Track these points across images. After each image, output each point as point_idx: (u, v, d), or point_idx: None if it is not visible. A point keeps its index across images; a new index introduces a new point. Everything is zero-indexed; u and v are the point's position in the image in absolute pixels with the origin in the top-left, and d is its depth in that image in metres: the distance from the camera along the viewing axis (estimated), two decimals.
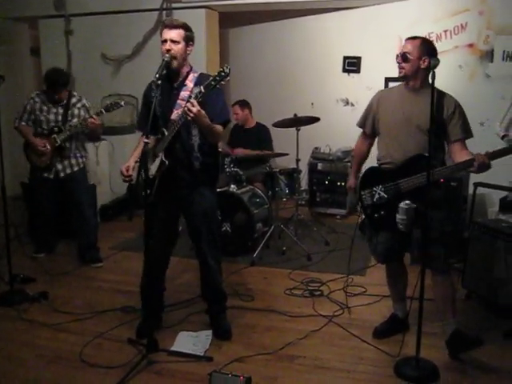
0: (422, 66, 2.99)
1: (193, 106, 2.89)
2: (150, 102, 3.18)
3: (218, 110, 3.19)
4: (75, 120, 4.61)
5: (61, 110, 4.63)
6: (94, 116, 4.47)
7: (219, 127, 3.19)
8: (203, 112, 2.96)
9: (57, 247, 5.20)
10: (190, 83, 3.21)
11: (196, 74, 3.25)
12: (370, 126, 3.31)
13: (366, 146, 3.43)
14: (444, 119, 2.98)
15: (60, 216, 5.05)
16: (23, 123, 4.64)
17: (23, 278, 4.33)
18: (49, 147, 4.58)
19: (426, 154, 2.84)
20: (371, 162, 3.37)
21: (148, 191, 3.10)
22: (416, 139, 3.01)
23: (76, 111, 4.65)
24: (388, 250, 3.24)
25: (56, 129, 4.58)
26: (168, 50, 3.09)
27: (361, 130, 3.44)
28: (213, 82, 2.87)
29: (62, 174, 4.70)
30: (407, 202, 2.90)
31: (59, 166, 4.69)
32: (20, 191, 5.77)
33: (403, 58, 3.02)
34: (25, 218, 5.40)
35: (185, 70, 3.24)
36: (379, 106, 3.23)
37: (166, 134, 3.12)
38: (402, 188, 3.02)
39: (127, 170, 3.28)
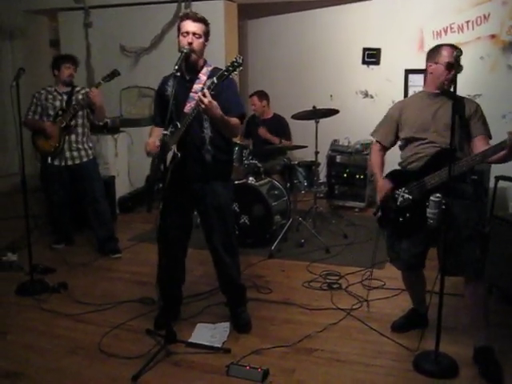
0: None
1: (205, 96, 2.87)
2: (165, 96, 3.21)
3: (232, 102, 3.18)
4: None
5: (65, 97, 4.74)
6: (93, 88, 4.57)
7: (235, 120, 3.17)
8: (215, 103, 2.93)
9: (76, 238, 5.25)
10: (203, 76, 3.19)
11: (210, 68, 3.24)
12: (391, 135, 3.22)
13: (382, 156, 3.32)
14: (466, 117, 2.94)
15: (77, 208, 5.08)
16: (29, 117, 4.75)
17: (43, 269, 4.38)
18: (56, 130, 4.65)
19: (452, 148, 2.78)
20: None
21: (161, 184, 3.10)
22: (444, 137, 2.91)
23: (80, 96, 4.74)
24: (414, 257, 3.11)
25: (60, 112, 4.69)
26: (190, 43, 3.08)
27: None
28: (226, 73, 2.86)
29: (69, 163, 4.76)
30: (437, 194, 2.82)
31: (67, 154, 4.75)
32: (39, 183, 5.83)
33: (450, 67, 2.94)
34: (44, 209, 5.46)
35: (200, 63, 3.23)
36: (402, 113, 3.14)
37: (179, 126, 3.12)
38: (428, 185, 2.93)
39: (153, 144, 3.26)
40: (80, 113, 4.73)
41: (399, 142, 3.23)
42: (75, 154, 4.77)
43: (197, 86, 3.16)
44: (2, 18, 7.53)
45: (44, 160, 4.82)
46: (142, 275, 4.33)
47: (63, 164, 4.75)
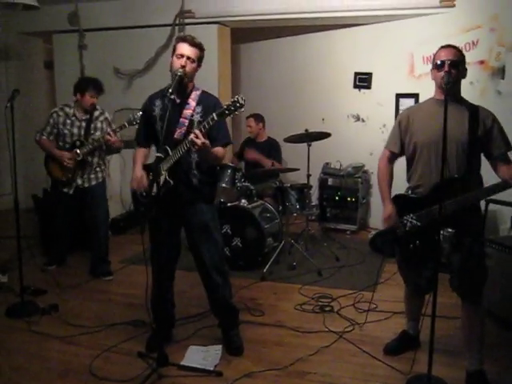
0: (462, 77, 2.90)
1: (197, 137, 2.88)
2: (152, 116, 3.23)
3: (220, 133, 3.20)
4: (98, 133, 4.64)
5: (84, 124, 4.64)
6: (111, 132, 4.48)
7: (220, 150, 3.20)
8: (208, 143, 2.95)
9: (68, 260, 5.21)
10: (192, 102, 3.20)
11: (198, 92, 3.25)
12: (400, 146, 3.13)
13: (390, 168, 3.22)
14: (480, 134, 2.84)
15: (74, 228, 5.06)
16: (44, 137, 4.66)
17: (34, 290, 4.35)
18: (72, 160, 4.60)
19: (456, 176, 2.79)
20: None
21: (149, 207, 3.12)
22: (454, 156, 2.84)
23: (99, 124, 4.67)
24: (425, 281, 3.04)
25: (78, 143, 4.60)
26: (183, 66, 3.09)
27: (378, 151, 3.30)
28: (226, 111, 2.83)
29: (80, 187, 4.72)
30: (449, 229, 2.75)
31: (79, 181, 4.71)
32: (32, 204, 5.81)
33: (454, 64, 2.83)
34: (36, 231, 5.44)
35: (189, 87, 3.25)
36: (409, 123, 3.04)
37: (171, 154, 3.11)
38: (436, 215, 2.78)
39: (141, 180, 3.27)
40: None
41: (406, 157, 3.14)
42: (85, 177, 4.73)
43: (186, 112, 3.18)
44: None
45: (54, 185, 4.79)
46: (134, 297, 4.30)
47: (71, 192, 4.71)
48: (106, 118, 4.71)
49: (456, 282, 2.90)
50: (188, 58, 3.11)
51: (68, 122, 4.63)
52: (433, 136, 2.91)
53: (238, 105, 2.79)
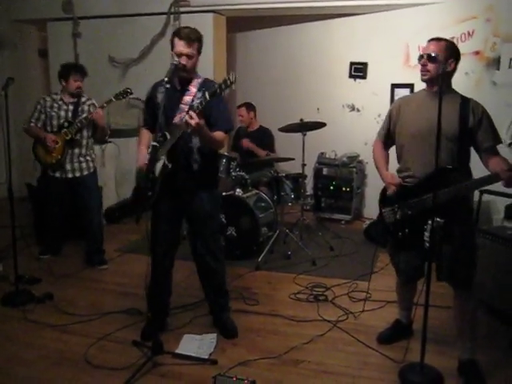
0: (448, 69, 2.87)
1: (191, 118, 2.90)
2: (155, 103, 3.24)
3: (221, 117, 3.24)
4: (85, 115, 4.63)
5: (71, 107, 4.65)
6: (98, 108, 4.53)
7: (220, 134, 3.22)
8: (202, 123, 2.97)
9: (62, 249, 5.21)
10: (193, 88, 3.24)
11: (200, 80, 3.28)
12: (387, 135, 3.18)
13: (385, 150, 3.25)
14: (470, 126, 2.84)
15: (67, 218, 5.04)
16: (32, 124, 4.66)
17: (29, 279, 4.34)
18: (59, 142, 4.58)
19: (449, 167, 2.79)
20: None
21: (150, 193, 3.10)
22: (444, 148, 2.81)
23: (86, 107, 4.68)
24: (413, 269, 3.12)
25: (66, 123, 4.59)
26: (184, 65, 3.12)
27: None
28: (218, 90, 2.87)
29: (70, 175, 4.69)
30: (437, 219, 2.72)
31: (68, 167, 4.68)
32: (26, 193, 5.80)
33: (430, 58, 2.84)
34: (31, 219, 5.43)
35: (191, 75, 3.27)
36: (400, 113, 3.07)
37: (169, 137, 3.13)
38: (427, 204, 2.85)
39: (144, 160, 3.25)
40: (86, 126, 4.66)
41: (396, 150, 3.16)
42: (76, 165, 4.70)
43: (187, 98, 3.20)
44: None
45: (44, 171, 4.77)
46: (128, 286, 4.31)
47: (63, 176, 4.68)
48: (92, 104, 4.72)
49: (447, 272, 2.92)
50: (187, 55, 3.13)
51: (55, 105, 4.66)
52: (421, 127, 2.93)
53: (228, 82, 2.83)
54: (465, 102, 2.89)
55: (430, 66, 2.87)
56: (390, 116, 3.17)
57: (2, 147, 3.87)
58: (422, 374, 2.88)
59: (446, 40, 2.93)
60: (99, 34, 7.05)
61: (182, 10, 6.66)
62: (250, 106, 6.19)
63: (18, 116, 6.00)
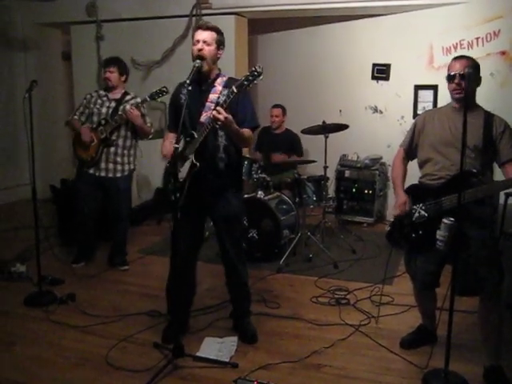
0: (477, 87, 2.94)
1: (219, 113, 2.88)
2: (179, 104, 3.22)
3: (248, 114, 3.22)
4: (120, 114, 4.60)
5: (113, 104, 4.65)
6: (133, 106, 4.47)
7: (248, 132, 3.20)
8: (230, 117, 2.95)
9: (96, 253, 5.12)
10: (218, 86, 3.23)
11: (225, 78, 3.27)
12: (410, 145, 3.21)
13: (405, 165, 3.28)
14: (493, 138, 2.86)
15: (99, 221, 4.97)
16: (75, 117, 4.70)
17: (51, 280, 4.38)
18: (95, 140, 4.57)
19: (474, 170, 2.78)
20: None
21: (178, 195, 3.05)
22: (465, 157, 2.77)
23: (128, 106, 4.53)
24: (428, 275, 3.09)
25: (103, 121, 4.57)
26: (200, 50, 3.12)
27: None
28: (245, 82, 2.85)
29: (103, 174, 4.63)
30: (451, 218, 2.72)
31: (103, 165, 4.63)
32: (49, 194, 5.85)
33: (464, 77, 2.82)
34: (54, 221, 5.47)
35: (214, 73, 3.26)
36: (425, 124, 3.10)
37: (196, 136, 3.13)
38: (444, 206, 2.88)
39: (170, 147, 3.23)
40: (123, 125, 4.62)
41: (418, 160, 3.19)
42: (111, 166, 4.64)
43: (212, 96, 3.20)
44: (15, 29, 7.65)
45: (80, 166, 4.75)
46: (150, 288, 4.32)
47: (97, 174, 4.64)
48: (136, 102, 4.59)
49: (470, 279, 2.86)
50: (204, 41, 3.14)
51: (99, 101, 4.66)
52: (446, 138, 2.96)
53: (255, 73, 2.81)
54: (489, 116, 2.92)
55: (464, 84, 2.85)
56: (414, 126, 3.19)
57: (26, 149, 3.91)
58: (447, 380, 2.82)
59: (467, 57, 2.97)
60: (122, 36, 7.09)
61: (203, 12, 6.66)
62: (284, 109, 6.27)
63: (41, 119, 6.09)
